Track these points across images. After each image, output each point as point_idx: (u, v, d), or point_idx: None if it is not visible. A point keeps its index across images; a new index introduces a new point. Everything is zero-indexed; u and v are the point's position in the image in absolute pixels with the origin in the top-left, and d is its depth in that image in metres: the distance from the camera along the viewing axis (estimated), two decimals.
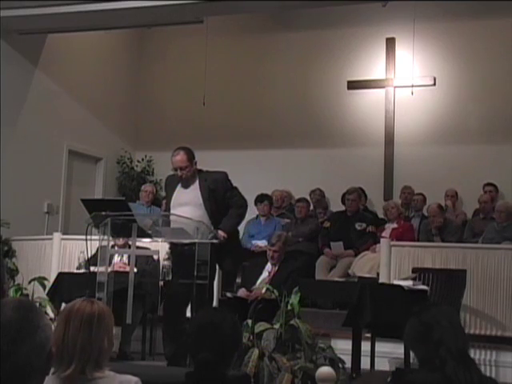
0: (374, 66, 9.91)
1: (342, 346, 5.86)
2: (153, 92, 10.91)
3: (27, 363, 1.82)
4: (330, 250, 8.11)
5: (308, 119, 10.02)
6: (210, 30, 9.47)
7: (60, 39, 9.27)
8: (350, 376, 5.37)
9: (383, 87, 9.80)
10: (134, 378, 2.55)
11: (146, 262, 6.67)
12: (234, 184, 5.83)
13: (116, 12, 7.87)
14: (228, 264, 5.74)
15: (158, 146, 10.28)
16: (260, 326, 5.00)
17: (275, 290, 5.24)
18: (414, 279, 6.17)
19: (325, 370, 4.37)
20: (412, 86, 9.32)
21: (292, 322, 5.00)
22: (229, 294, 6.71)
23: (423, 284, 6.11)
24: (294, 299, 5.11)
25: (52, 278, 7.03)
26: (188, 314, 5.66)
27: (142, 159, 10.62)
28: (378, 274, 7.02)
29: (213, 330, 2.62)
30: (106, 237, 5.44)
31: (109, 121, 10.34)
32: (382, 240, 7.30)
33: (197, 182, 5.69)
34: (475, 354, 6.39)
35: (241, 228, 8.52)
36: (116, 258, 6.88)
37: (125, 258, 6.81)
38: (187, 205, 5.59)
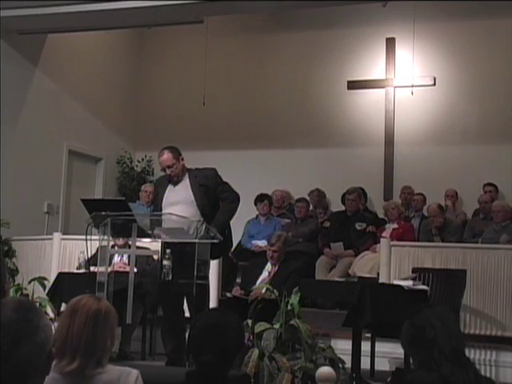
0: (373, 66, 9.90)
1: (342, 346, 5.86)
2: (153, 92, 10.91)
3: (27, 363, 1.82)
4: (330, 250, 8.12)
5: (308, 119, 10.01)
6: (210, 30, 9.47)
7: (60, 39, 9.27)
8: (350, 376, 5.36)
9: (383, 87, 9.80)
10: (134, 370, 2.55)
11: (146, 262, 6.67)
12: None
13: (116, 12, 7.87)
14: (215, 252, 5.63)
15: (158, 146, 10.10)
16: (260, 326, 5.00)
17: (275, 290, 5.24)
18: (414, 279, 6.17)
19: (325, 370, 4.38)
20: (412, 86, 9.32)
21: (292, 321, 5.00)
22: (228, 294, 6.73)
23: (423, 284, 6.11)
24: (294, 299, 5.10)
25: (52, 278, 7.03)
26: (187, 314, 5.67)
27: (142, 159, 10.62)
28: (378, 274, 7.03)
29: (218, 332, 2.61)
30: (105, 237, 5.45)
31: (109, 121, 10.34)
32: (382, 240, 7.30)
33: (187, 179, 5.73)
34: (475, 354, 6.40)
35: (241, 228, 8.55)
36: (116, 258, 6.89)
37: (125, 258, 6.81)
38: (179, 203, 5.61)
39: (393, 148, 9.67)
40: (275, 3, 7.91)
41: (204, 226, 5.44)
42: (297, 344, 4.97)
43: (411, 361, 2.63)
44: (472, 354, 6.34)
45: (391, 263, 6.88)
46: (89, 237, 5.33)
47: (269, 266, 6.93)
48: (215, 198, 5.70)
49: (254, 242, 8.51)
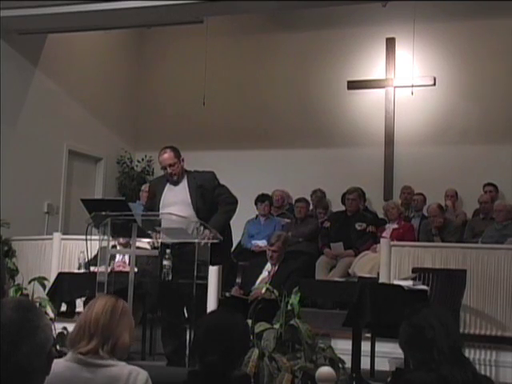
0: (374, 66, 9.90)
1: (342, 346, 5.85)
2: (153, 92, 10.91)
3: (27, 363, 1.82)
4: (330, 249, 8.12)
5: (308, 119, 10.01)
6: (210, 31, 9.47)
7: (60, 39, 9.28)
8: (350, 376, 5.36)
9: (383, 87, 9.80)
10: (144, 371, 2.61)
11: (146, 262, 6.67)
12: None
13: (116, 12, 7.87)
14: (216, 258, 5.67)
15: (158, 145, 10.14)
16: (260, 326, 4.99)
17: (275, 290, 5.23)
18: (414, 279, 6.17)
19: (325, 370, 4.37)
20: (412, 86, 9.32)
21: (292, 322, 5.00)
22: (227, 294, 6.73)
23: (423, 284, 6.10)
24: (294, 299, 5.10)
25: (52, 278, 7.02)
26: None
27: (142, 159, 10.62)
28: (378, 274, 7.02)
29: (225, 332, 2.61)
30: (106, 237, 5.45)
31: (109, 121, 10.34)
32: (382, 240, 7.30)
33: (185, 180, 5.76)
34: (475, 354, 6.39)
35: (241, 228, 8.55)
36: (117, 257, 6.89)
37: (125, 258, 6.81)
38: (176, 204, 5.62)
39: (393, 148, 9.67)
40: (275, 3, 7.91)
41: (202, 226, 5.44)
42: (297, 344, 4.97)
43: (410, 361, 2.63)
44: (472, 353, 6.33)
45: (391, 263, 6.88)
46: (89, 237, 5.33)
47: (269, 266, 6.94)
48: (212, 200, 5.70)
49: (253, 241, 8.52)
